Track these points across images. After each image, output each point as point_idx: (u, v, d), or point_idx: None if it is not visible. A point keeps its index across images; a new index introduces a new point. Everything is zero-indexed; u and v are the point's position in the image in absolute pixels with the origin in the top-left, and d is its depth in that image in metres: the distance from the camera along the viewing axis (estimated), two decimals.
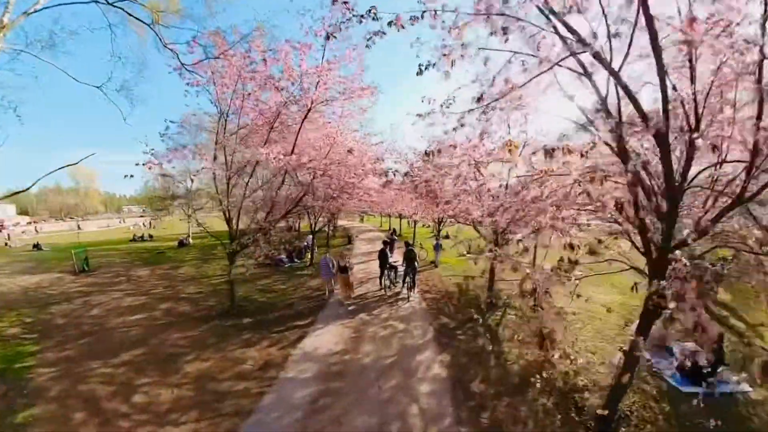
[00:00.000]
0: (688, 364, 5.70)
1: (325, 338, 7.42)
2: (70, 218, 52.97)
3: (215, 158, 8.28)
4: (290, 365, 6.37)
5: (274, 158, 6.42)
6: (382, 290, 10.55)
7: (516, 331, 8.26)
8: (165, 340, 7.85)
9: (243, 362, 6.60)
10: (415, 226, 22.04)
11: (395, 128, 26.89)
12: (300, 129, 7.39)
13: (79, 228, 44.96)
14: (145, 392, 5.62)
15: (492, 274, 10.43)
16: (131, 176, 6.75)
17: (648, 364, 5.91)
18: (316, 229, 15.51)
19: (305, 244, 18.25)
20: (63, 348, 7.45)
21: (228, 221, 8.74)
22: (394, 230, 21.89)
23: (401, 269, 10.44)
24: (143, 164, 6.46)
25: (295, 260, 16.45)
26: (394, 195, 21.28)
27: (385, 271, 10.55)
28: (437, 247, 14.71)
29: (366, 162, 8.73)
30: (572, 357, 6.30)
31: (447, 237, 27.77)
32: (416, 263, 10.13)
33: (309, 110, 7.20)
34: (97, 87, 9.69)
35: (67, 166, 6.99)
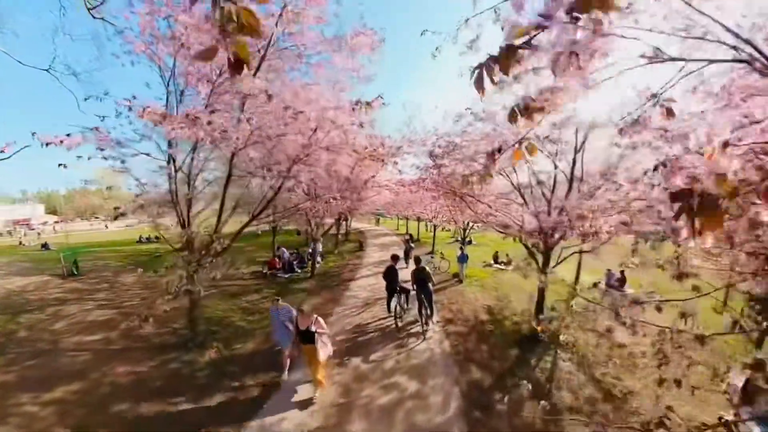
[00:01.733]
0: None
1: (298, 400, 5.08)
2: (95, 218, 54.68)
3: (171, 144, 6.13)
4: None
5: (213, 129, 4.16)
6: (392, 317, 7.99)
7: (577, 390, 5.75)
8: (107, 374, 6.33)
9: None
10: (435, 231, 19.40)
11: (412, 117, 23.79)
12: (256, 72, 4.78)
13: (106, 227, 46.18)
14: None
15: (541, 298, 7.83)
16: (65, 166, 5.27)
17: None
18: (320, 233, 13.22)
19: (309, 251, 16.14)
20: (6, 370, 6.56)
21: (183, 225, 6.61)
22: (411, 236, 19.43)
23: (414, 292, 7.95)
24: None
25: (296, 270, 14.29)
26: (410, 195, 18.88)
27: (394, 296, 8.06)
28: (462, 258, 12.09)
29: (373, 148, 6.34)
30: None
31: (470, 242, 25.03)
32: (430, 285, 7.59)
33: (268, 45, 4.73)
34: (45, 70, 7.85)
35: None
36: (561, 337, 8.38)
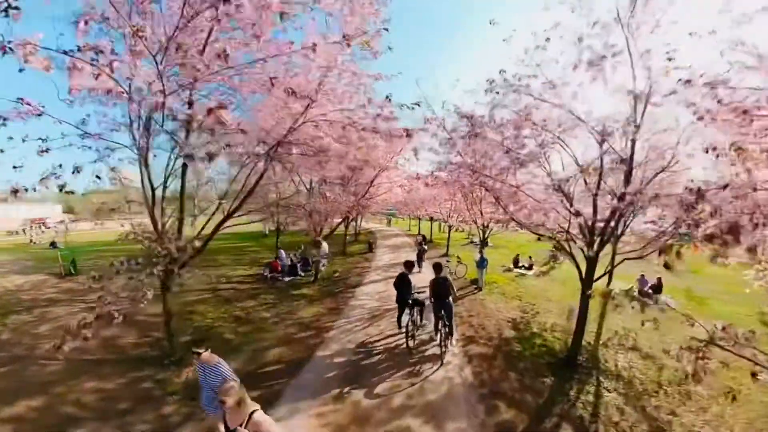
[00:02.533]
0: None
1: None
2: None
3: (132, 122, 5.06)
4: None
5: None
6: (403, 335, 6.73)
7: None
8: (74, 389, 5.55)
9: None
10: (449, 232, 18.05)
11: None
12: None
13: (122, 226, 46.70)
14: None
15: (584, 315, 6.54)
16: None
17: None
18: (326, 234, 12.06)
19: (323, 253, 15.08)
20: None
21: (155, 224, 5.59)
22: (424, 237, 18.17)
23: (429, 303, 6.66)
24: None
25: (299, 273, 13.22)
26: (424, 193, 17.61)
27: (406, 309, 6.78)
28: (482, 263, 10.76)
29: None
30: None
31: (487, 244, 23.47)
32: (451, 299, 6.32)
33: None
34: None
35: None
36: (605, 361, 7.05)
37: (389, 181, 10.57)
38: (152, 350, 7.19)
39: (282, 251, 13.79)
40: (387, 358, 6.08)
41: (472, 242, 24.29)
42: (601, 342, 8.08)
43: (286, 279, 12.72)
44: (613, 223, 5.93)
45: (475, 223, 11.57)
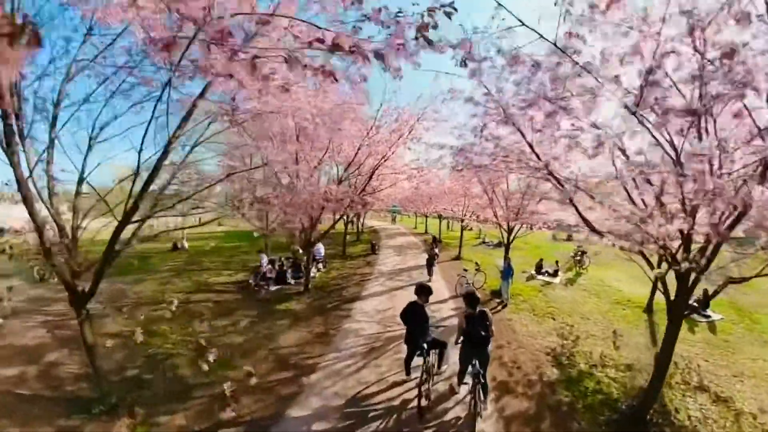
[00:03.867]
0: None
1: None
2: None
3: None
4: None
5: None
6: (411, 384, 4.76)
7: None
8: None
9: None
10: (462, 233, 16.04)
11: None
12: None
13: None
14: None
15: (667, 357, 4.59)
16: None
17: None
18: (314, 236, 10.09)
19: (317, 256, 13.17)
20: None
21: (38, 229, 3.75)
22: (435, 238, 16.20)
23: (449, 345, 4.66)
24: None
25: (289, 280, 11.36)
26: (433, 189, 15.62)
27: (420, 352, 4.58)
28: (507, 274, 8.78)
29: None
30: None
31: (500, 245, 21.41)
32: (488, 347, 4.35)
33: None
34: None
35: None
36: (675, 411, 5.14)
37: (393, 171, 8.71)
38: (90, 386, 5.46)
39: (264, 256, 11.81)
40: (389, 427, 4.15)
41: (484, 242, 22.26)
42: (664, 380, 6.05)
43: (273, 288, 10.88)
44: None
45: (498, 223, 9.57)
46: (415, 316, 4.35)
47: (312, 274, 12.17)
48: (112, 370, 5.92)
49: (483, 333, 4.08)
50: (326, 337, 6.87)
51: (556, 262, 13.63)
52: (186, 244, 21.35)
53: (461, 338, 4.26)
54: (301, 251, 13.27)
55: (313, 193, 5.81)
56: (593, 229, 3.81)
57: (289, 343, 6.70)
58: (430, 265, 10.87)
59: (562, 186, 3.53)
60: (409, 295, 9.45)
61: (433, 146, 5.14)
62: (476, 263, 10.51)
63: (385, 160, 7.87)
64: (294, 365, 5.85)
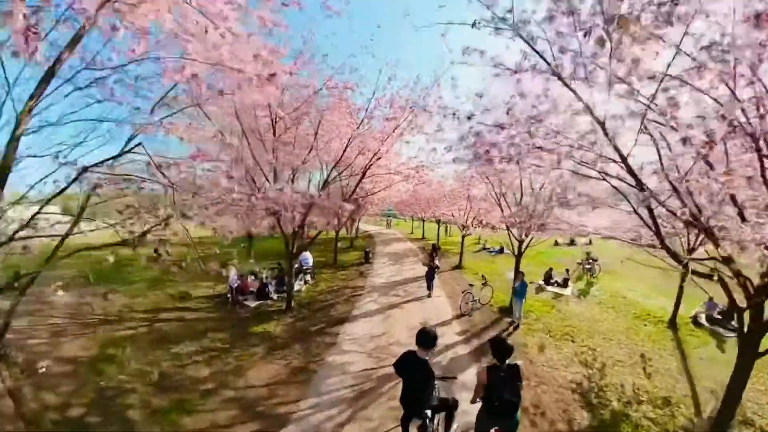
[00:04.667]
0: None
1: None
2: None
3: None
4: None
5: None
6: None
7: None
8: None
9: None
10: (463, 239, 14.87)
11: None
12: None
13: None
14: None
15: (737, 395, 3.42)
16: None
17: None
18: (297, 246, 8.77)
19: (305, 265, 11.87)
20: None
21: None
22: (435, 247, 14.98)
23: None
24: None
25: (271, 295, 10.10)
26: (432, 191, 14.48)
27: (418, 416, 3.22)
28: (521, 292, 7.60)
29: None
30: None
31: (501, 251, 20.20)
32: (517, 415, 3.05)
33: None
34: None
35: None
36: None
37: (388, 171, 7.54)
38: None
39: (233, 268, 10.06)
40: None
41: (484, 248, 21.12)
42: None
43: (253, 304, 9.62)
44: None
45: (509, 229, 8.35)
46: (414, 372, 3.06)
47: (298, 288, 10.93)
48: (57, 405, 4.71)
49: (512, 398, 2.88)
50: (305, 373, 5.61)
51: (567, 270, 12.51)
52: (170, 251, 19.90)
53: (480, 399, 3.07)
54: (302, 263, 11.97)
55: (290, 202, 4.63)
56: (668, 249, 2.66)
57: (261, 381, 5.45)
58: (430, 278, 9.66)
59: (642, 187, 2.39)
60: (407, 316, 8.24)
61: (437, 134, 3.98)
62: (483, 276, 9.31)
63: (378, 158, 6.69)
64: (261, 415, 4.61)
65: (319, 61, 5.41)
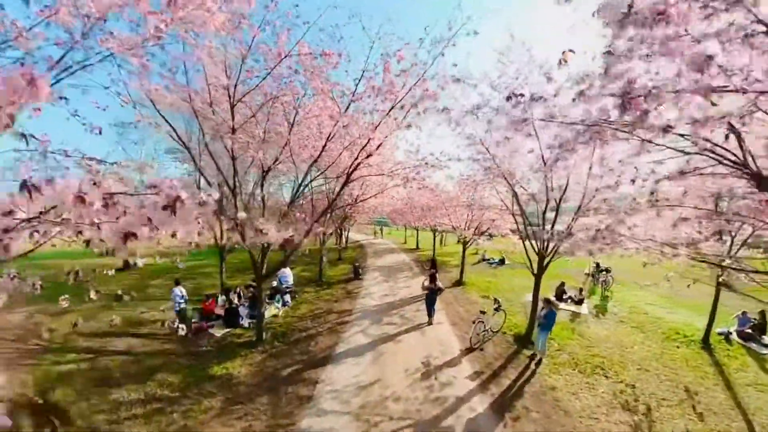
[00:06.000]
0: None
1: None
2: None
3: None
4: None
5: None
6: None
7: None
8: None
9: None
10: (464, 251, 13.48)
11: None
12: None
13: None
14: None
15: None
16: None
17: None
18: (266, 268, 7.01)
19: (285, 284, 10.25)
20: None
21: None
22: (435, 263, 13.53)
23: None
24: None
25: (241, 321, 8.51)
26: (429, 199, 13.15)
27: None
28: (547, 323, 6.18)
29: None
30: None
31: (503, 262, 18.78)
32: None
33: None
34: None
35: None
36: None
37: (380, 172, 6.11)
38: None
39: (178, 290, 7.98)
40: None
41: (484, 260, 19.77)
42: None
43: (220, 333, 8.00)
44: None
45: (522, 240, 6.91)
46: None
47: (275, 312, 9.30)
48: None
49: None
50: None
51: (580, 290, 11.22)
52: (140, 262, 18.00)
53: None
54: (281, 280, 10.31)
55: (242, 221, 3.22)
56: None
57: None
58: (430, 303, 8.07)
59: None
60: (405, 353, 6.52)
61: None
62: (495, 300, 7.77)
63: (368, 156, 5.28)
64: None
65: (294, 17, 4.03)
